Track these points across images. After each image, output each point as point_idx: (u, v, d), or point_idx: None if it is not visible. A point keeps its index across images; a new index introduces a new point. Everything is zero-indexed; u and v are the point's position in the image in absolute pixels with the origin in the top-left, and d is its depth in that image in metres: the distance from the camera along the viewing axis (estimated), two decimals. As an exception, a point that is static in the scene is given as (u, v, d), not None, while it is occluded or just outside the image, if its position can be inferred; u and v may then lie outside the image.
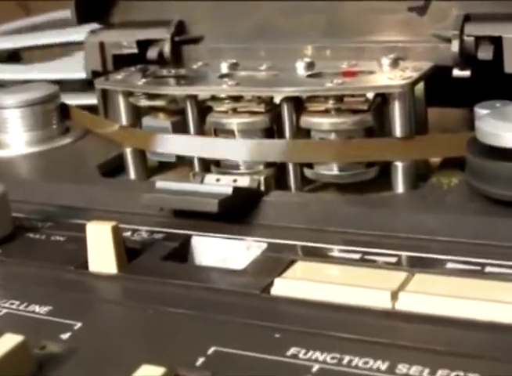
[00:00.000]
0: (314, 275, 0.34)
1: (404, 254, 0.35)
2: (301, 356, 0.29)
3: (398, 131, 0.41)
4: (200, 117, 0.46)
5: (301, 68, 0.45)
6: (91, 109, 0.56)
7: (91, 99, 0.56)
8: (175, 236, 0.40)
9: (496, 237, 0.35)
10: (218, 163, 0.45)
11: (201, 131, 0.46)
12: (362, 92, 0.42)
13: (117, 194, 0.44)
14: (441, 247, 0.36)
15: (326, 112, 0.42)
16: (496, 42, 0.43)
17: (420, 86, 0.43)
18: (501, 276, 0.32)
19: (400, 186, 0.41)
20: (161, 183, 0.42)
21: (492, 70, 0.43)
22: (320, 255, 0.36)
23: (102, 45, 0.55)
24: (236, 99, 0.44)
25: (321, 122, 0.42)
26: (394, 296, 0.32)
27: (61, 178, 0.48)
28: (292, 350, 0.29)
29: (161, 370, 0.27)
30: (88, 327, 0.32)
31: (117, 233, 0.37)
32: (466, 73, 0.44)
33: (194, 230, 0.40)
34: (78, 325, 0.32)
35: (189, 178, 0.45)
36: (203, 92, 0.46)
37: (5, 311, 0.34)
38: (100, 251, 0.37)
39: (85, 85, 0.58)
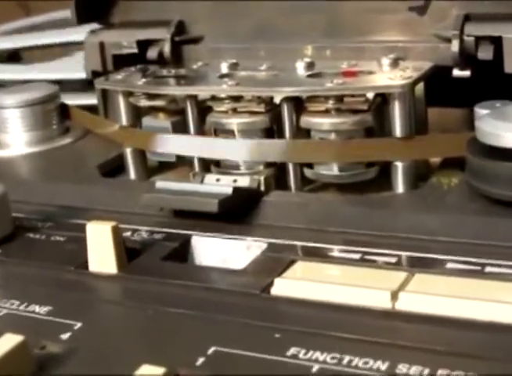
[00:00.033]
0: (314, 275, 0.34)
1: (404, 254, 0.35)
2: (301, 356, 0.29)
3: (398, 131, 0.41)
4: (200, 117, 0.46)
5: (301, 68, 0.45)
6: (91, 109, 0.56)
7: (91, 99, 0.56)
8: (175, 236, 0.40)
9: (496, 237, 0.35)
10: (218, 163, 0.45)
11: (201, 131, 0.46)
12: (362, 92, 0.42)
13: (117, 194, 0.44)
14: (441, 247, 0.36)
15: (326, 112, 0.42)
16: (496, 42, 0.43)
17: (420, 86, 0.43)
18: (501, 276, 0.32)
19: (400, 186, 0.41)
20: (161, 183, 0.42)
21: (492, 70, 0.43)
22: (320, 255, 0.36)
23: (102, 45, 0.55)
24: (236, 99, 0.44)
25: (321, 122, 0.42)
26: (394, 296, 0.32)
27: (61, 178, 0.48)
28: (292, 350, 0.29)
29: (161, 370, 0.27)
30: (88, 327, 0.32)
31: (117, 233, 0.37)
32: (467, 73, 0.44)
33: (194, 230, 0.40)
34: (78, 325, 0.32)
35: (189, 179, 0.45)
36: (203, 92, 0.46)
37: (5, 311, 0.34)
38: (100, 251, 0.37)
39: (85, 85, 0.58)
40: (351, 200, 0.41)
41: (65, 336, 0.31)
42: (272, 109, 0.44)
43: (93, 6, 0.56)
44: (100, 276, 0.37)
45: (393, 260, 0.35)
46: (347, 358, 0.28)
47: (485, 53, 0.43)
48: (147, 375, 0.27)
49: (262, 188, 0.42)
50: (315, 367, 0.28)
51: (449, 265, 0.34)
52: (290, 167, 0.43)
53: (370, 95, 0.42)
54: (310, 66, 0.45)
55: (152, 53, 0.53)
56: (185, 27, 0.54)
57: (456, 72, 0.44)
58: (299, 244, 0.38)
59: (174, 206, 0.41)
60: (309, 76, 0.44)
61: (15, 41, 0.74)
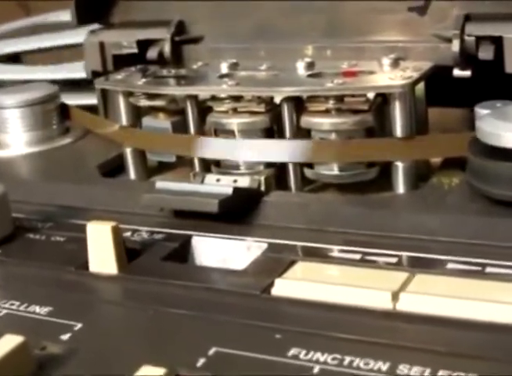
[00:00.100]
0: (314, 275, 0.34)
1: (404, 254, 0.35)
2: (301, 356, 0.29)
3: (398, 131, 0.41)
4: (200, 117, 0.46)
5: (301, 68, 0.45)
6: (91, 109, 0.55)
7: (91, 99, 0.56)
8: (175, 237, 0.40)
9: (497, 238, 0.35)
10: (218, 163, 0.45)
11: (201, 131, 0.46)
12: (362, 92, 0.42)
13: (117, 194, 0.44)
14: (442, 247, 0.36)
15: (327, 112, 0.42)
16: (497, 42, 0.43)
17: (421, 86, 0.43)
18: (501, 277, 0.32)
19: (401, 187, 0.41)
20: (161, 183, 0.42)
21: (493, 70, 0.43)
22: (321, 256, 0.36)
23: (102, 45, 0.55)
24: (236, 99, 0.44)
25: (321, 122, 0.42)
26: (395, 297, 0.31)
27: (61, 178, 0.48)
28: (293, 351, 0.29)
29: (162, 370, 0.27)
30: (89, 327, 0.32)
31: (117, 233, 0.37)
32: (467, 73, 0.44)
33: (194, 230, 0.40)
34: (78, 326, 0.32)
35: (190, 179, 0.45)
36: (203, 92, 0.46)
37: (5, 311, 0.34)
38: (100, 251, 0.37)
39: (85, 85, 0.58)
40: (351, 200, 0.41)
41: (65, 337, 0.31)
42: (273, 109, 0.44)
43: (93, 6, 0.56)
44: (100, 276, 0.37)
45: (393, 260, 0.35)
46: (348, 359, 0.28)
47: (486, 53, 0.43)
48: (147, 376, 0.27)
49: (262, 188, 0.42)
50: (316, 368, 0.28)
51: (450, 266, 0.34)
52: (291, 167, 0.43)
53: (371, 95, 0.42)
54: (310, 66, 0.45)
55: (152, 53, 0.53)
56: (185, 27, 0.54)
57: (457, 72, 0.44)
58: (299, 244, 0.38)
59: (174, 206, 0.41)
60: (309, 76, 0.44)
61: (15, 45, 0.74)
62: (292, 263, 0.36)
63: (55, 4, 0.75)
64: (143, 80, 0.48)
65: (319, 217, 0.39)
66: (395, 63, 0.44)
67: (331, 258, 0.36)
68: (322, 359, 0.28)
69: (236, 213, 0.40)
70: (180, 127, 0.47)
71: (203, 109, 0.46)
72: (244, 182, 0.42)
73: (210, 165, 0.46)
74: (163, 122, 0.48)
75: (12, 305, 0.34)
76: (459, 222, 0.36)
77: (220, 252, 0.39)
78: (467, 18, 0.44)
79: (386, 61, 0.44)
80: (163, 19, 0.54)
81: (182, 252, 0.39)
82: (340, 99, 0.42)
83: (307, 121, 0.43)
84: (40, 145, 0.54)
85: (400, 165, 0.41)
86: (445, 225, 0.37)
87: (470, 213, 0.37)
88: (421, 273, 0.33)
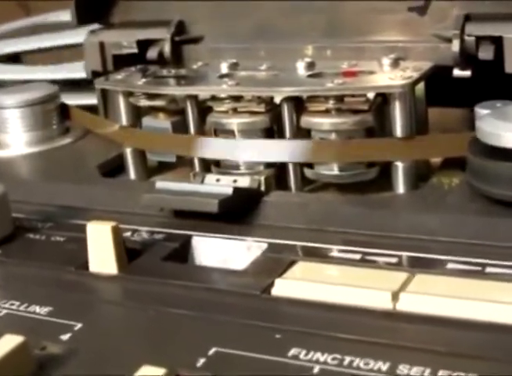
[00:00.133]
0: (314, 275, 0.34)
1: (404, 254, 0.35)
2: (301, 356, 0.29)
3: (398, 131, 0.41)
4: (200, 117, 0.46)
5: (301, 68, 0.45)
6: (91, 109, 0.55)
7: (91, 99, 0.56)
8: (176, 237, 0.40)
9: (497, 238, 0.35)
10: (218, 163, 0.45)
11: (201, 131, 0.46)
12: (362, 92, 0.42)
13: (117, 194, 0.44)
14: (442, 247, 0.36)
15: (327, 112, 0.42)
16: (497, 42, 0.43)
17: (421, 86, 0.43)
18: (502, 277, 0.32)
19: (401, 187, 0.41)
20: (161, 183, 0.42)
21: (493, 70, 0.43)
22: (321, 256, 0.36)
23: (102, 45, 0.55)
24: (236, 99, 0.44)
25: (321, 122, 0.42)
26: (395, 297, 0.31)
27: (61, 178, 0.48)
28: (293, 351, 0.29)
29: (162, 370, 0.27)
30: (89, 327, 0.32)
31: (117, 233, 0.37)
32: (467, 73, 0.44)
33: (194, 231, 0.40)
34: (79, 326, 0.32)
35: (190, 179, 0.45)
36: (203, 92, 0.45)
37: (5, 311, 0.34)
38: (100, 251, 0.37)
39: (85, 85, 0.58)
40: (351, 200, 0.41)
41: (65, 337, 0.31)
42: (273, 109, 0.44)
43: (93, 6, 0.56)
44: (100, 276, 0.37)
45: (393, 260, 0.35)
46: (348, 359, 0.28)
47: (486, 53, 0.43)
48: (148, 376, 0.27)
49: (262, 188, 0.42)
50: (316, 368, 0.28)
51: (450, 266, 0.34)
52: (291, 167, 0.43)
53: (371, 95, 0.42)
54: (310, 66, 0.45)
55: (152, 53, 0.53)
56: (185, 27, 0.54)
57: (457, 72, 0.44)
58: (299, 244, 0.38)
59: (174, 206, 0.41)
60: (309, 76, 0.44)
61: (15, 45, 0.74)
62: (292, 263, 0.36)
63: (55, 4, 0.75)
64: (143, 80, 0.48)
65: (319, 217, 0.39)
66: (395, 63, 0.44)
67: (331, 258, 0.36)
68: (322, 359, 0.28)
69: (236, 213, 0.40)
70: (180, 127, 0.47)
71: (203, 109, 0.46)
72: (244, 182, 0.42)
73: (210, 165, 0.46)
74: (163, 122, 0.48)
75: (12, 305, 0.34)
76: (459, 222, 0.36)
77: (220, 252, 0.39)
78: (467, 18, 0.44)
79: (386, 61, 0.44)
80: (163, 19, 0.54)
81: (182, 252, 0.39)
82: (340, 99, 0.42)
83: (307, 121, 0.42)
84: (40, 145, 0.54)
85: (400, 165, 0.41)
86: (445, 225, 0.37)
87: (470, 213, 0.37)
88: (421, 273, 0.33)
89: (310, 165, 0.43)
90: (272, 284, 0.34)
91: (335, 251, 0.36)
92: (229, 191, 0.40)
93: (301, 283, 0.34)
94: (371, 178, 0.42)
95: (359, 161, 0.42)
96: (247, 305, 0.33)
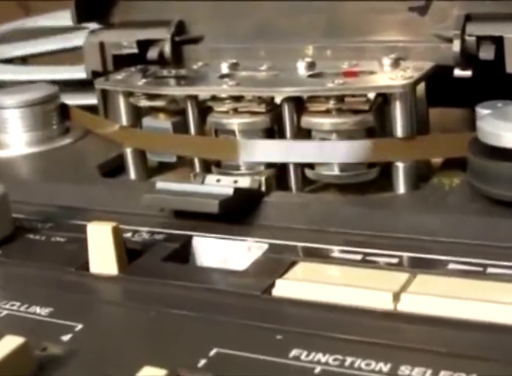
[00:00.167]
0: (315, 276, 0.34)
1: (405, 255, 0.35)
2: (303, 357, 0.29)
3: (399, 131, 0.41)
4: (200, 117, 0.46)
5: (301, 68, 0.45)
6: (91, 109, 0.55)
7: (92, 100, 0.56)
8: (176, 237, 0.40)
9: (498, 238, 0.35)
10: (218, 163, 0.45)
11: (202, 131, 0.46)
12: (363, 92, 0.42)
13: (117, 195, 0.44)
14: (443, 247, 0.36)
15: (327, 112, 0.42)
16: (498, 42, 0.43)
17: (422, 86, 0.43)
18: (503, 277, 0.32)
19: (401, 187, 0.41)
20: (162, 184, 0.42)
21: (494, 70, 0.43)
22: (321, 256, 0.36)
23: (102, 45, 0.55)
24: (237, 99, 0.44)
25: (322, 122, 0.42)
26: (396, 297, 0.31)
27: (61, 178, 0.48)
28: (294, 352, 0.29)
29: (163, 371, 0.27)
30: (89, 328, 0.32)
31: (117, 233, 0.37)
32: (468, 73, 0.44)
33: (195, 231, 0.40)
34: (79, 327, 0.32)
35: (190, 179, 0.45)
36: (203, 92, 0.45)
37: (5, 312, 0.34)
38: (101, 251, 0.37)
39: (85, 85, 0.58)
40: (352, 200, 0.41)
41: (66, 337, 0.31)
42: (273, 109, 0.44)
43: (93, 6, 0.56)
44: (101, 277, 0.37)
45: (394, 261, 0.35)
46: (349, 359, 0.28)
47: (487, 53, 0.43)
48: (149, 377, 0.27)
49: (263, 188, 0.42)
50: (318, 369, 0.28)
51: (451, 266, 0.34)
52: (291, 167, 0.43)
53: (371, 95, 0.42)
54: (311, 66, 0.45)
55: (152, 53, 0.53)
56: (185, 27, 0.54)
57: (458, 72, 0.44)
58: (300, 244, 0.37)
59: (174, 207, 0.41)
60: (310, 76, 0.44)
61: (16, 50, 0.74)
62: (293, 264, 0.35)
63: (55, 4, 0.75)
64: (143, 80, 0.48)
65: (319, 217, 0.39)
66: (396, 63, 0.44)
67: (332, 259, 0.36)
68: (323, 360, 0.28)
69: (237, 213, 0.40)
70: (180, 127, 0.47)
71: (204, 109, 0.46)
72: (245, 182, 0.42)
73: (210, 166, 0.46)
74: (163, 122, 0.48)
75: (13, 305, 0.34)
76: (460, 223, 0.36)
77: (221, 253, 0.39)
78: (468, 18, 0.44)
79: (386, 61, 0.44)
80: (163, 20, 0.54)
81: (183, 253, 0.39)
82: (340, 99, 0.42)
83: (307, 121, 0.42)
84: (40, 145, 0.53)
85: (401, 165, 0.41)
86: (446, 226, 0.37)
87: (471, 213, 0.37)
88: (422, 274, 0.33)
89: (311, 166, 0.43)
90: (272, 285, 0.34)
91: (336, 251, 0.36)
92: (230, 191, 0.40)
93: (302, 283, 0.34)
94: (372, 178, 0.42)
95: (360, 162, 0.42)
96: (248, 305, 0.33)
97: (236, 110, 0.44)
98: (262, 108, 0.44)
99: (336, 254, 0.36)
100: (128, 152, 0.49)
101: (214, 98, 0.45)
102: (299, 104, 0.43)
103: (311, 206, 0.40)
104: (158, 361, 0.28)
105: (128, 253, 0.37)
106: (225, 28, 0.52)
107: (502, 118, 0.37)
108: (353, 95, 0.42)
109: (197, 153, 0.46)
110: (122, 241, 0.37)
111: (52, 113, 0.54)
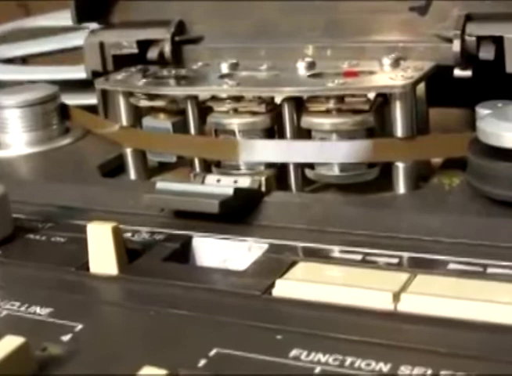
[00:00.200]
0: (315, 276, 0.34)
1: (405, 254, 0.35)
2: (303, 357, 0.29)
3: (399, 131, 0.41)
4: (200, 117, 0.46)
5: (301, 68, 0.45)
6: (91, 109, 0.55)
7: (91, 100, 0.56)
8: (176, 237, 0.40)
9: (498, 238, 0.35)
10: (218, 163, 0.45)
11: (202, 131, 0.46)
12: (363, 92, 0.42)
13: (117, 195, 0.44)
14: (443, 247, 0.36)
15: (327, 112, 0.42)
16: (498, 42, 0.43)
17: (422, 86, 0.43)
18: (503, 277, 0.32)
19: (401, 187, 0.41)
20: (162, 184, 0.42)
21: (494, 70, 0.43)
22: (321, 256, 0.36)
23: (102, 45, 0.55)
24: (237, 99, 0.44)
25: (322, 122, 0.42)
26: (396, 297, 0.31)
27: (61, 178, 0.48)
28: (294, 352, 0.29)
29: (163, 371, 0.27)
30: (89, 328, 0.32)
31: (117, 233, 0.37)
32: (468, 73, 0.44)
33: (195, 231, 0.40)
34: (79, 327, 0.32)
35: (190, 179, 0.45)
36: (203, 92, 0.45)
37: (5, 312, 0.34)
38: (101, 251, 0.37)
39: (85, 85, 0.58)
40: (352, 200, 0.41)
41: (66, 338, 0.31)
42: (273, 109, 0.44)
43: (93, 6, 0.56)
44: (101, 277, 0.37)
45: (394, 261, 0.35)
46: (349, 359, 0.28)
47: (487, 53, 0.43)
48: (149, 377, 0.27)
49: (263, 188, 0.42)
50: (318, 369, 0.28)
51: (451, 266, 0.34)
52: (291, 167, 0.43)
53: (371, 95, 0.42)
54: (311, 66, 0.45)
55: (152, 53, 0.53)
56: (185, 27, 0.54)
57: (458, 72, 0.44)
58: (300, 244, 0.37)
59: (174, 207, 0.41)
60: (310, 76, 0.44)
61: (16, 50, 0.74)
62: (293, 264, 0.35)
63: (55, 4, 0.75)
64: (143, 80, 0.48)
65: (319, 217, 0.39)
66: (396, 63, 0.44)
67: (332, 259, 0.36)
68: (323, 359, 0.28)
69: (237, 213, 0.40)
70: (180, 127, 0.47)
71: (204, 109, 0.46)
72: (245, 182, 0.42)
73: (210, 166, 0.46)
74: (163, 122, 0.48)
75: (13, 305, 0.34)
76: (460, 223, 0.36)
77: (221, 253, 0.39)
78: (468, 18, 0.44)
79: (387, 61, 0.44)
80: (163, 20, 0.54)
81: (183, 253, 0.39)
82: (340, 99, 0.42)
83: (307, 121, 0.42)
84: (40, 145, 0.53)
85: (401, 166, 0.41)
86: (446, 226, 0.37)
87: (471, 213, 0.37)
88: (422, 274, 0.33)
89: (311, 166, 0.43)
90: (272, 285, 0.34)
91: (336, 251, 0.36)
92: (230, 191, 0.40)
93: (302, 283, 0.33)
94: (372, 178, 0.42)
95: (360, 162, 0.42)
96: (248, 305, 0.33)
97: (236, 110, 0.44)
98: (262, 108, 0.44)
99: (336, 255, 0.36)
100: (128, 152, 0.49)
101: (214, 98, 0.45)
102: (299, 104, 0.43)
103: (312, 206, 0.40)
104: (158, 361, 0.28)
105: (128, 253, 0.37)
106: (225, 28, 0.52)
107: (502, 118, 0.37)
108: (353, 95, 0.42)
109: (197, 153, 0.46)
110: (122, 241, 0.37)
111: (52, 113, 0.54)
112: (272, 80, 0.45)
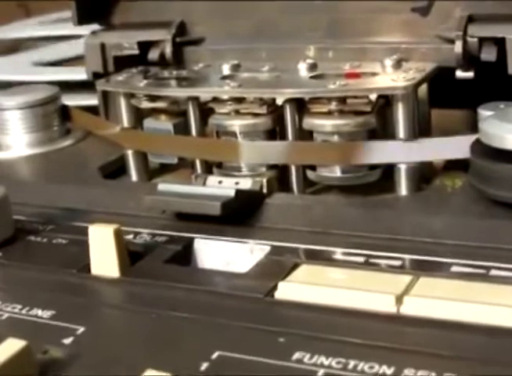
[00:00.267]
0: (318, 278, 0.34)
1: (408, 257, 0.35)
2: (305, 360, 0.28)
3: (401, 132, 0.41)
4: (201, 118, 0.45)
5: (303, 69, 0.45)
6: (92, 110, 0.55)
7: (92, 101, 0.56)
8: (178, 239, 0.40)
9: (501, 240, 0.35)
10: (220, 165, 0.45)
11: (203, 133, 0.46)
12: (365, 94, 0.42)
13: (118, 196, 0.44)
14: (446, 250, 0.35)
15: (329, 114, 0.42)
16: (500, 43, 0.42)
17: (424, 87, 0.43)
18: (506, 280, 0.32)
19: (403, 189, 0.41)
20: (163, 186, 0.42)
21: (496, 71, 0.43)
22: (324, 258, 0.36)
23: (103, 47, 0.55)
24: (238, 100, 0.44)
25: (323, 124, 0.42)
26: (399, 300, 0.31)
27: (62, 180, 0.47)
28: (297, 355, 0.29)
29: (165, 374, 0.27)
30: (91, 331, 0.32)
31: (119, 235, 0.37)
32: (470, 74, 0.44)
33: (197, 233, 0.40)
34: (81, 329, 0.32)
35: (191, 181, 0.45)
36: (204, 93, 0.45)
37: (7, 315, 0.34)
38: (102, 254, 0.37)
39: (86, 87, 0.58)
40: (354, 202, 0.41)
41: (68, 340, 0.31)
42: (275, 110, 0.44)
43: (94, 7, 0.55)
44: (102, 279, 0.36)
45: (397, 263, 0.35)
46: (352, 362, 0.28)
47: (489, 54, 0.43)
48: (151, 380, 0.27)
49: (265, 190, 0.42)
50: (320, 372, 0.28)
51: (454, 269, 0.34)
52: (293, 169, 0.43)
53: (373, 96, 0.42)
54: (312, 67, 0.45)
55: (153, 54, 0.53)
56: (186, 28, 0.54)
57: (460, 73, 0.44)
58: (302, 246, 0.37)
59: (176, 208, 0.41)
60: (312, 77, 0.44)
61: (13, 32, 0.73)
62: (295, 266, 0.35)
63: (55, 4, 0.75)
64: (145, 81, 0.47)
65: (321, 219, 0.39)
66: (398, 65, 0.44)
67: (334, 261, 0.36)
68: (326, 362, 0.28)
69: (239, 215, 0.40)
70: (182, 129, 0.47)
71: (205, 110, 0.45)
72: (246, 184, 0.42)
73: (211, 167, 0.45)
74: (164, 124, 0.48)
75: (14, 308, 0.34)
76: (463, 225, 0.36)
77: (223, 255, 0.39)
78: (470, 19, 0.44)
79: (388, 62, 0.44)
80: (164, 21, 0.53)
81: (185, 255, 0.39)
82: (342, 100, 0.42)
83: (309, 122, 0.42)
84: (41, 147, 0.53)
85: (403, 167, 0.41)
86: (449, 228, 0.37)
87: (474, 215, 0.37)
88: (425, 276, 0.33)
89: (313, 167, 0.43)
90: (275, 287, 0.34)
91: (338, 253, 0.36)
92: (232, 193, 0.40)
93: (305, 286, 0.33)
94: (374, 180, 0.42)
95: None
96: (250, 308, 0.33)
97: (237, 112, 0.44)
98: (264, 110, 0.44)
99: (338, 257, 0.36)
100: (129, 153, 0.48)
101: (215, 99, 0.45)
102: (301, 106, 0.43)
103: (313, 208, 0.40)
104: (160, 364, 0.28)
105: (129, 255, 0.37)
106: (226, 29, 0.52)
107: (504, 120, 0.37)
108: (355, 97, 0.42)
109: (199, 155, 0.45)
110: (124, 243, 0.37)
111: (52, 115, 0.54)
112: (273, 81, 0.45)
